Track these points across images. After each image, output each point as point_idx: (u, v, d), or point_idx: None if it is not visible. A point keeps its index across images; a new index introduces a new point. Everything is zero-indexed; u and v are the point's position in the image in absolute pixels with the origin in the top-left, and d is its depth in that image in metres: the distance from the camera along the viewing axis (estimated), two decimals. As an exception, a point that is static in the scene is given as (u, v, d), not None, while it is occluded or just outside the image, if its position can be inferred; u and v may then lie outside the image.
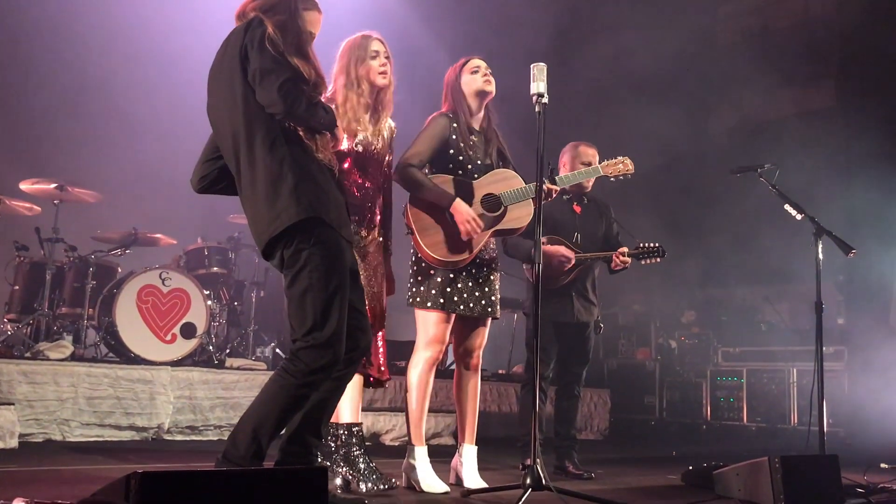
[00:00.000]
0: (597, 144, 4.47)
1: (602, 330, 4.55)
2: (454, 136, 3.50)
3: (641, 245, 4.27)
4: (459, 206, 3.36)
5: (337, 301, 2.50)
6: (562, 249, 4.20)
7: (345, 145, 3.34)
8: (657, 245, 4.26)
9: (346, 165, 3.33)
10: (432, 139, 3.46)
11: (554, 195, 3.65)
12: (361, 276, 3.24)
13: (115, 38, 7.40)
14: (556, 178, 3.60)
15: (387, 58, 3.40)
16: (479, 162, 3.54)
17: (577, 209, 4.46)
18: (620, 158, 3.84)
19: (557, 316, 4.31)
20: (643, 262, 4.29)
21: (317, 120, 2.60)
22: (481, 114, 3.62)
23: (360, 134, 3.36)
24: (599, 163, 3.96)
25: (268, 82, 2.47)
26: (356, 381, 3.29)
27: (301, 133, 2.61)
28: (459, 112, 3.54)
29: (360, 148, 3.36)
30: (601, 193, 4.65)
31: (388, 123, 3.51)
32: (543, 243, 3.63)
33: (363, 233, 3.37)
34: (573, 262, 4.21)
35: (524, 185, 3.48)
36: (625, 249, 4.23)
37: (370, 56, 3.36)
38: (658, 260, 4.27)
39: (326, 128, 2.68)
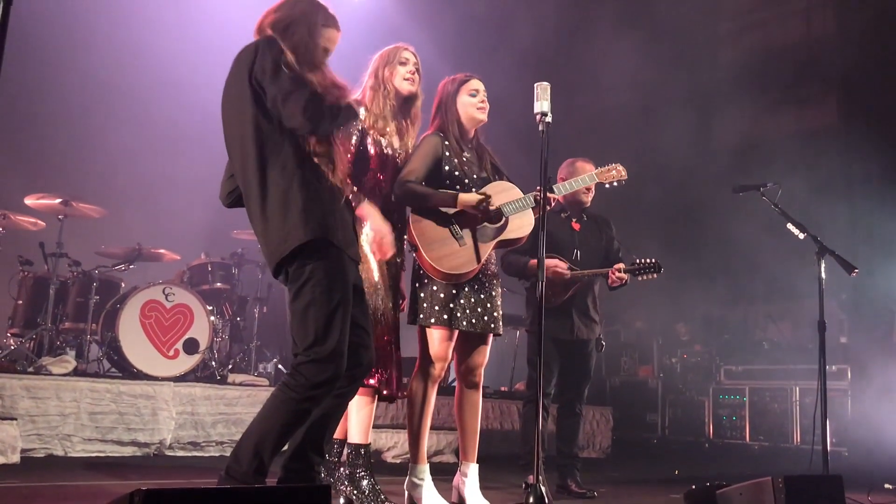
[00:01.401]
0: (597, 163, 4.48)
1: (604, 348, 4.53)
2: (447, 154, 3.51)
3: (637, 261, 4.25)
4: (464, 196, 3.39)
5: (339, 316, 2.51)
6: (556, 261, 4.21)
7: (371, 150, 3.36)
8: (654, 261, 4.22)
9: (374, 166, 3.36)
10: (426, 157, 3.47)
11: (552, 204, 3.68)
12: (381, 291, 3.24)
13: (121, 55, 7.46)
14: (554, 186, 3.63)
15: (416, 69, 3.47)
16: (475, 176, 3.55)
17: (576, 226, 4.47)
18: (613, 165, 3.86)
19: (557, 333, 4.30)
20: (640, 279, 4.25)
21: (338, 124, 2.66)
22: (471, 135, 3.65)
23: (386, 137, 3.40)
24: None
25: (292, 103, 2.49)
26: (367, 402, 3.26)
27: (316, 159, 2.61)
28: (449, 130, 3.56)
29: (389, 151, 3.40)
30: (601, 211, 4.66)
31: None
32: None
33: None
34: (569, 275, 4.21)
35: (522, 195, 3.51)
36: (621, 266, 4.23)
37: (399, 62, 3.45)
38: (655, 276, 4.23)
39: (348, 120, 2.75)
